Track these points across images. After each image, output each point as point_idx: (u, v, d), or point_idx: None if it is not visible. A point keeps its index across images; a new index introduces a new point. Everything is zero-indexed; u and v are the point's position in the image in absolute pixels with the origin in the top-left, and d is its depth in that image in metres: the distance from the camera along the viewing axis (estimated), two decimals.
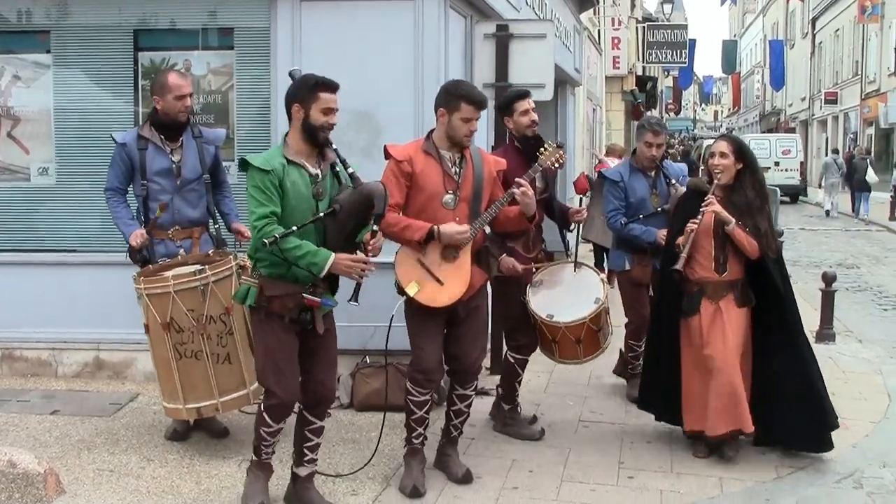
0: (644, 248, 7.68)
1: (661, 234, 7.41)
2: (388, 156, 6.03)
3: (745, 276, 6.70)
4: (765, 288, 6.72)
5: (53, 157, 8.70)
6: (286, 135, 5.41)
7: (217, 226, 7.09)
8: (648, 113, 40.16)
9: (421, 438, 6.20)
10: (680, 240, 6.61)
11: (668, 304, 6.88)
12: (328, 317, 5.56)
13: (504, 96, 7.29)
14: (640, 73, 35.24)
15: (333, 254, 5.17)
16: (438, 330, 6.11)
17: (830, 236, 25.72)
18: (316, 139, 5.33)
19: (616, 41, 29.49)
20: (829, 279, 11.05)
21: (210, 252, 6.83)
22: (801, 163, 40.03)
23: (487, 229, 6.29)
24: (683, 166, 8.21)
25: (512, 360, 7.16)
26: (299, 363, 5.51)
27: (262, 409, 5.50)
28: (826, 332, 10.87)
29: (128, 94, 8.52)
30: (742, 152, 6.69)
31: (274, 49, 8.11)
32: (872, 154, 39.13)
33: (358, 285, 5.37)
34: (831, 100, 51.34)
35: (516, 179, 6.11)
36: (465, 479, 6.23)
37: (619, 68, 29.93)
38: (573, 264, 7.08)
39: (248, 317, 5.63)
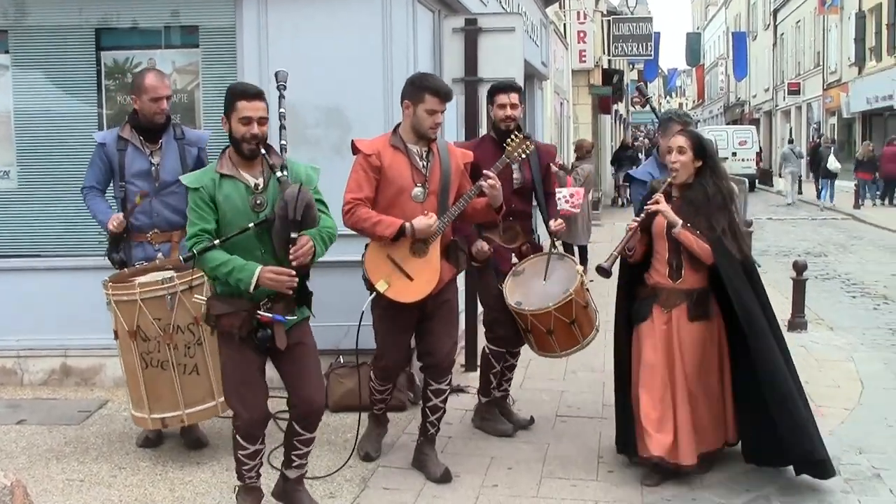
0: None
1: None
2: (355, 150, 6.05)
3: (707, 286, 6.14)
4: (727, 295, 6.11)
5: (14, 160, 8.55)
6: (226, 148, 5.27)
7: None
8: (615, 106, 40.38)
9: (383, 410, 6.65)
10: (630, 242, 6.19)
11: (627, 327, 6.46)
12: (300, 329, 5.37)
13: (492, 84, 7.24)
14: (605, 66, 35.33)
15: (260, 267, 5.00)
16: (405, 327, 6.22)
17: (797, 225, 25.89)
18: (241, 151, 5.15)
19: (582, 35, 29.52)
20: (799, 268, 11.08)
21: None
22: (757, 153, 42.10)
23: None
24: None
25: (487, 352, 7.14)
26: (282, 379, 5.40)
27: (233, 430, 5.38)
28: (798, 321, 10.92)
29: (90, 94, 8.39)
30: (702, 149, 6.13)
31: (240, 47, 8.01)
32: (836, 143, 39.62)
33: (290, 296, 5.17)
34: (794, 90, 51.82)
35: (484, 172, 6.13)
36: (444, 478, 6.18)
37: (585, 62, 29.97)
38: (556, 255, 7.02)
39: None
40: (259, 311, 5.11)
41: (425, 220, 5.89)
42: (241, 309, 5.12)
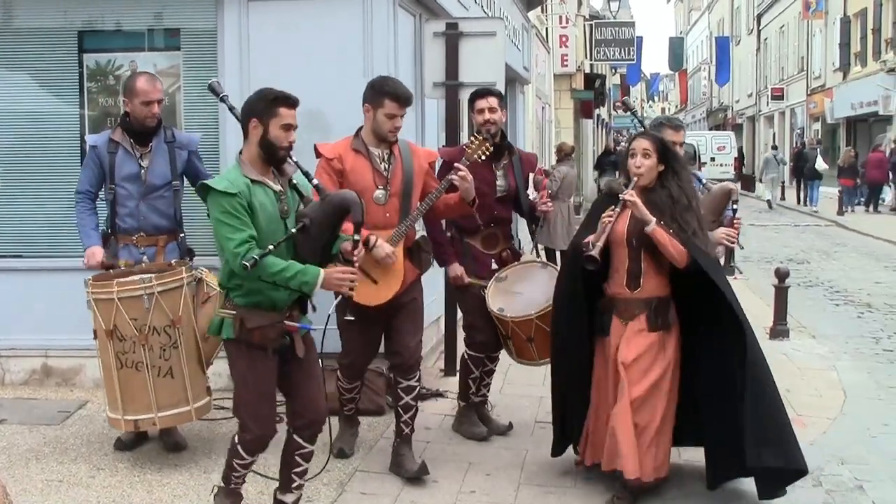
0: None
1: (719, 234, 6.56)
2: (318, 154, 6.13)
3: (668, 294, 5.95)
4: (702, 304, 5.89)
5: None
6: (241, 152, 5.09)
7: (183, 234, 6.92)
8: (597, 110, 40.46)
9: (353, 411, 6.84)
10: (591, 237, 5.86)
11: (570, 324, 6.15)
12: (306, 336, 5.31)
13: (472, 91, 7.24)
14: (588, 70, 35.40)
15: (321, 269, 4.95)
16: (371, 327, 6.31)
17: (780, 231, 25.93)
18: (275, 157, 5.03)
19: (564, 39, 29.60)
20: (782, 275, 11.08)
21: (173, 262, 6.68)
22: (735, 158, 42.67)
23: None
24: (700, 173, 7.43)
25: (466, 357, 7.16)
26: (284, 388, 5.31)
27: (237, 441, 5.23)
28: (780, 329, 10.93)
29: (73, 96, 8.38)
30: (665, 152, 5.93)
31: (221, 50, 8.02)
32: (821, 145, 39.91)
33: (342, 297, 5.16)
34: (777, 96, 51.97)
35: (455, 164, 6.24)
36: (420, 472, 6.23)
37: (567, 66, 30.03)
38: (539, 264, 7.07)
39: (225, 349, 5.30)
40: (286, 322, 5.09)
41: (387, 249, 6.01)
42: (275, 321, 5.06)
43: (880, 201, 31.70)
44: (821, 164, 33.01)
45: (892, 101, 33.58)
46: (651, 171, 5.88)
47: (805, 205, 34.30)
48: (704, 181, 6.94)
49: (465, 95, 8.64)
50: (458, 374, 7.44)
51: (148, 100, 6.64)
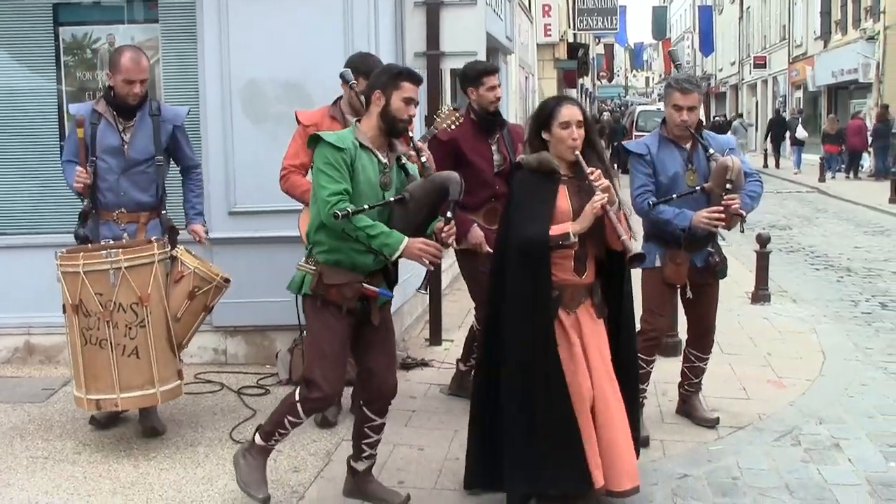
0: (679, 241, 6.43)
1: (701, 216, 6.21)
2: (298, 121, 6.32)
3: (599, 278, 5.44)
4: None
5: None
6: (358, 120, 5.19)
7: (165, 212, 6.78)
8: (581, 80, 40.38)
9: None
10: (570, 227, 5.10)
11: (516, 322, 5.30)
12: (384, 308, 5.32)
13: (474, 67, 7.18)
14: (571, 40, 35.38)
15: (406, 237, 4.93)
16: None
17: (762, 198, 25.93)
18: (395, 129, 5.11)
19: (547, 8, 29.57)
20: (763, 241, 11.18)
21: (153, 239, 6.48)
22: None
23: None
24: (731, 138, 7.17)
25: (476, 329, 7.18)
26: (358, 358, 5.31)
27: (297, 399, 5.15)
28: (761, 293, 11.02)
29: (49, 70, 8.30)
30: (585, 120, 5.29)
31: (200, 22, 7.94)
32: (802, 114, 40.24)
33: (429, 273, 5.13)
34: (760, 64, 52.12)
35: (415, 142, 6.21)
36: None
37: (550, 36, 30.02)
38: None
39: (302, 306, 5.24)
40: (364, 284, 5.09)
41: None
42: (354, 280, 5.07)
43: (860, 168, 31.88)
44: (801, 133, 33.49)
45: (871, 69, 33.77)
46: (581, 143, 5.26)
47: (779, 168, 35.34)
48: (711, 152, 6.38)
49: (446, 65, 8.65)
50: (465, 343, 7.45)
51: (130, 79, 6.45)
